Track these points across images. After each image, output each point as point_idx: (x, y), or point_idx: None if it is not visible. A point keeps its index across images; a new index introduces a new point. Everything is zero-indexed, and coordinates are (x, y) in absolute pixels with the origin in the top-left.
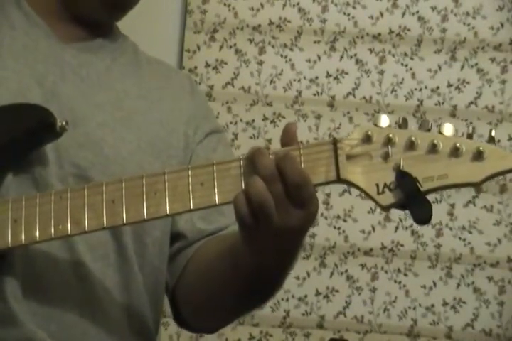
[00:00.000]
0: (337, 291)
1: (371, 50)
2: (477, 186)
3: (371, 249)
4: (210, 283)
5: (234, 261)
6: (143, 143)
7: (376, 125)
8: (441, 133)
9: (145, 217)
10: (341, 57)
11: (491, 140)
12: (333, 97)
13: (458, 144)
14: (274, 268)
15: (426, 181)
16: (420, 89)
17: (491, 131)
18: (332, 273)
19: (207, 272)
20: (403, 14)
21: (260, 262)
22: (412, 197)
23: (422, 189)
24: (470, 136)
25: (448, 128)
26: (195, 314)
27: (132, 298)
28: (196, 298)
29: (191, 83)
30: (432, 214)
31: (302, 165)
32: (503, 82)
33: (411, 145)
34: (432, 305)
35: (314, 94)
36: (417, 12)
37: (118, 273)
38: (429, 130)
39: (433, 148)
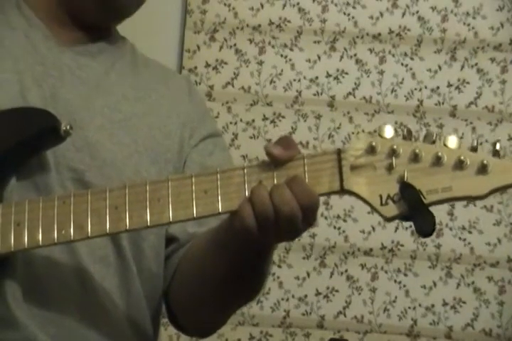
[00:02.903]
0: (337, 291)
1: (371, 50)
2: (481, 199)
3: (371, 249)
4: (198, 274)
5: (219, 244)
6: (140, 146)
7: (380, 136)
8: (445, 145)
9: (148, 223)
10: (341, 57)
11: (496, 153)
12: (333, 97)
13: (462, 157)
14: (257, 250)
15: (430, 193)
16: (420, 89)
17: (495, 143)
18: (332, 273)
19: (194, 265)
20: (403, 14)
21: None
22: (415, 209)
23: (425, 201)
24: (474, 149)
25: (452, 141)
26: (187, 315)
27: (132, 301)
28: (187, 295)
29: (189, 85)
30: (435, 227)
31: (306, 174)
32: (503, 82)
33: (415, 158)
34: (432, 305)
35: (314, 94)
36: (417, 12)
37: (117, 275)
38: (433, 142)
39: (437, 161)
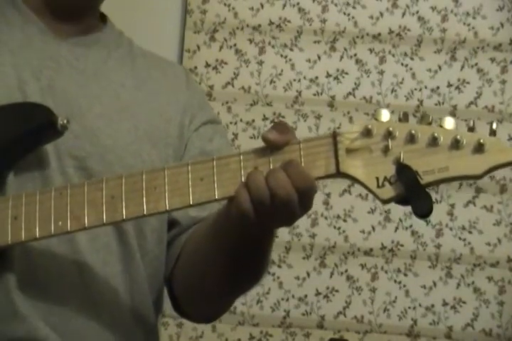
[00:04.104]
0: (337, 291)
1: (371, 50)
2: (478, 179)
3: (371, 249)
4: (200, 261)
5: (219, 231)
6: (140, 132)
7: (377, 119)
8: (441, 126)
9: (144, 212)
10: (341, 57)
11: (492, 133)
12: (333, 97)
13: (458, 137)
14: (256, 237)
15: (426, 174)
16: (420, 89)
17: (492, 123)
18: (332, 273)
19: (196, 252)
20: (403, 14)
21: (243, 234)
22: (412, 191)
23: (422, 182)
24: (471, 129)
25: (449, 122)
26: (190, 300)
27: (135, 287)
28: (190, 281)
29: (186, 74)
30: (432, 207)
31: (302, 159)
32: (503, 82)
33: (411, 139)
34: (432, 305)
35: (314, 94)
36: (417, 12)
37: (120, 262)
38: (429, 123)
39: (433, 141)
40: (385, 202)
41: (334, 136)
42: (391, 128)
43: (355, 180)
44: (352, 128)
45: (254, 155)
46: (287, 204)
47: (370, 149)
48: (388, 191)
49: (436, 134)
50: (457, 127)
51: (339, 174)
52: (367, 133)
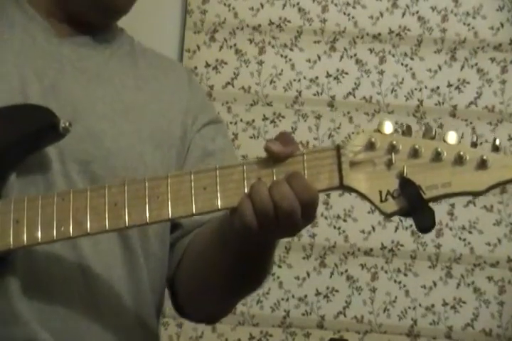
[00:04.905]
0: (337, 291)
1: (371, 50)
2: (480, 195)
3: (371, 249)
4: (203, 266)
5: (222, 239)
6: (143, 134)
7: (380, 131)
8: (445, 141)
9: (147, 220)
10: (341, 57)
11: (495, 148)
12: (333, 97)
13: (462, 152)
14: (259, 247)
15: (429, 189)
16: (420, 89)
17: (495, 139)
18: (332, 273)
19: (199, 256)
20: (403, 14)
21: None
22: (415, 205)
23: (425, 197)
24: (474, 145)
25: (452, 137)
26: (192, 302)
27: (137, 291)
28: (192, 284)
29: (188, 74)
30: (435, 222)
31: (305, 171)
32: (503, 82)
33: (415, 153)
34: (432, 305)
35: (314, 94)
36: (417, 12)
37: (124, 266)
38: (433, 138)
39: (437, 156)
40: (388, 216)
41: (338, 148)
42: (394, 142)
43: (358, 193)
44: (355, 141)
45: (258, 165)
46: (290, 216)
47: (373, 162)
48: (391, 205)
49: (439, 149)
50: (460, 138)
51: (342, 187)
52: (370, 146)
